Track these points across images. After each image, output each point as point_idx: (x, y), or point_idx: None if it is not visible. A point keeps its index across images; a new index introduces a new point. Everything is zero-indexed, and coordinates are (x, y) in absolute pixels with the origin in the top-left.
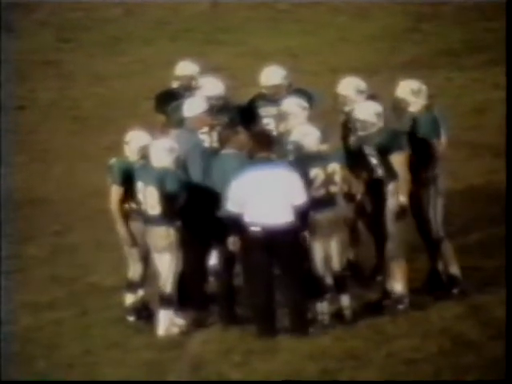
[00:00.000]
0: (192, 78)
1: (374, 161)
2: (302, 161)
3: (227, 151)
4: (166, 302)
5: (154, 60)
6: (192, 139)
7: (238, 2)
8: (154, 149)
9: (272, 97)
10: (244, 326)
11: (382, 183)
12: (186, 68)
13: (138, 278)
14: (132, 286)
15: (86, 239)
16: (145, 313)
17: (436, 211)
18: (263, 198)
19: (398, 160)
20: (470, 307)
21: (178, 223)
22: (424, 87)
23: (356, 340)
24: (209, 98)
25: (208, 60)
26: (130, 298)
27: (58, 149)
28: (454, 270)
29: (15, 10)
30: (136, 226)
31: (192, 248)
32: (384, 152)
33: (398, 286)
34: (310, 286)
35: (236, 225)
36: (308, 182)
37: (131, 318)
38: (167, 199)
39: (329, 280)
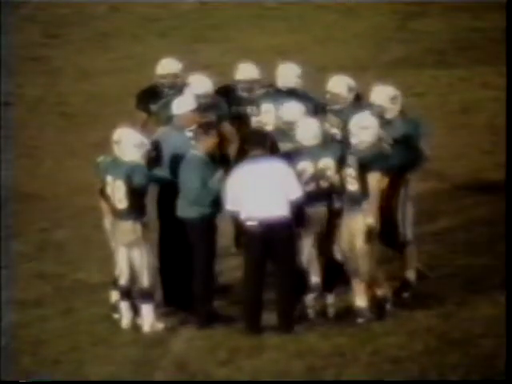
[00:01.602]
0: (175, 75)
1: (352, 173)
2: (292, 154)
3: (193, 153)
4: (145, 296)
5: (142, 57)
6: (180, 137)
7: (226, 0)
8: (124, 143)
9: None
10: (230, 324)
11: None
12: (168, 66)
13: None
14: (118, 284)
15: (73, 236)
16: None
17: (405, 215)
18: (258, 192)
19: (373, 179)
20: (455, 305)
21: (145, 218)
22: (398, 93)
23: (342, 337)
24: (197, 96)
25: (196, 57)
26: (115, 296)
27: (45, 145)
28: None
29: (2, 6)
30: None
31: (177, 246)
32: (364, 168)
33: (359, 301)
34: (297, 281)
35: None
36: (297, 176)
37: (117, 316)
38: (134, 193)
39: (315, 276)
